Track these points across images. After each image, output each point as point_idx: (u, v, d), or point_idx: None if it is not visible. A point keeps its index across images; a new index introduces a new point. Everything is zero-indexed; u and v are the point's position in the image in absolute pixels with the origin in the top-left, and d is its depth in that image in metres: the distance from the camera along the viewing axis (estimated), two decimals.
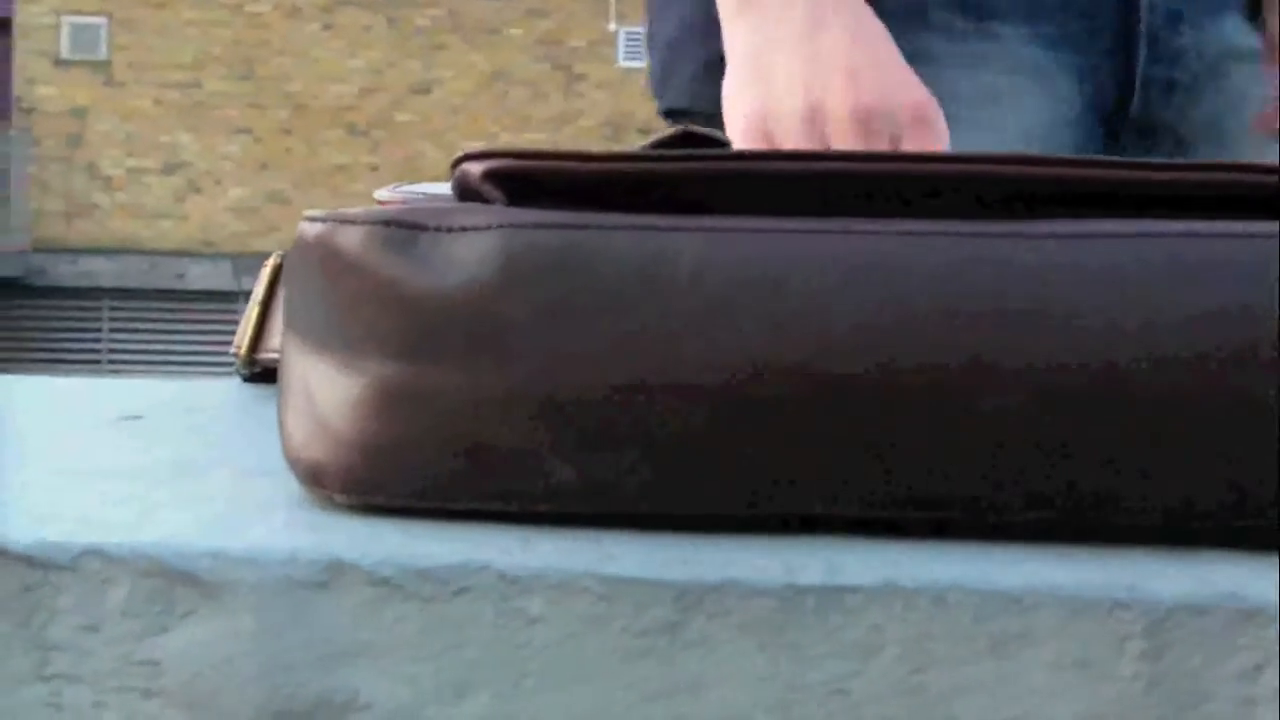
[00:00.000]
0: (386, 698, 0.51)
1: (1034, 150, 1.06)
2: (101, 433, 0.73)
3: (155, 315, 17.50)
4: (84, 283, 17.35)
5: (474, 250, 0.55)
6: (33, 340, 17.31)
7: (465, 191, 0.59)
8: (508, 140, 17.68)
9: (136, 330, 17.51)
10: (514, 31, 17.86)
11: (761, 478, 0.55)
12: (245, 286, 17.26)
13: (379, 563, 0.52)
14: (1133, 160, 0.58)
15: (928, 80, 1.03)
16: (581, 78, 17.87)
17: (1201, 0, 1.20)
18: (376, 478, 0.56)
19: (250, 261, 17.28)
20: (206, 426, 0.76)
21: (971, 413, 0.54)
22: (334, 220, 0.58)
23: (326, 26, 17.73)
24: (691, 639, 0.51)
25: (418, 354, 0.55)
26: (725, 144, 0.61)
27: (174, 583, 0.52)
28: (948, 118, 1.01)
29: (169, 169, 17.65)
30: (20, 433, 0.74)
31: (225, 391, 0.88)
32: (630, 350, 0.54)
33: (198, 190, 17.68)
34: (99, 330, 17.51)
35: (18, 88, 17.50)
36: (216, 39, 17.67)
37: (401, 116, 17.74)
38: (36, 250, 17.29)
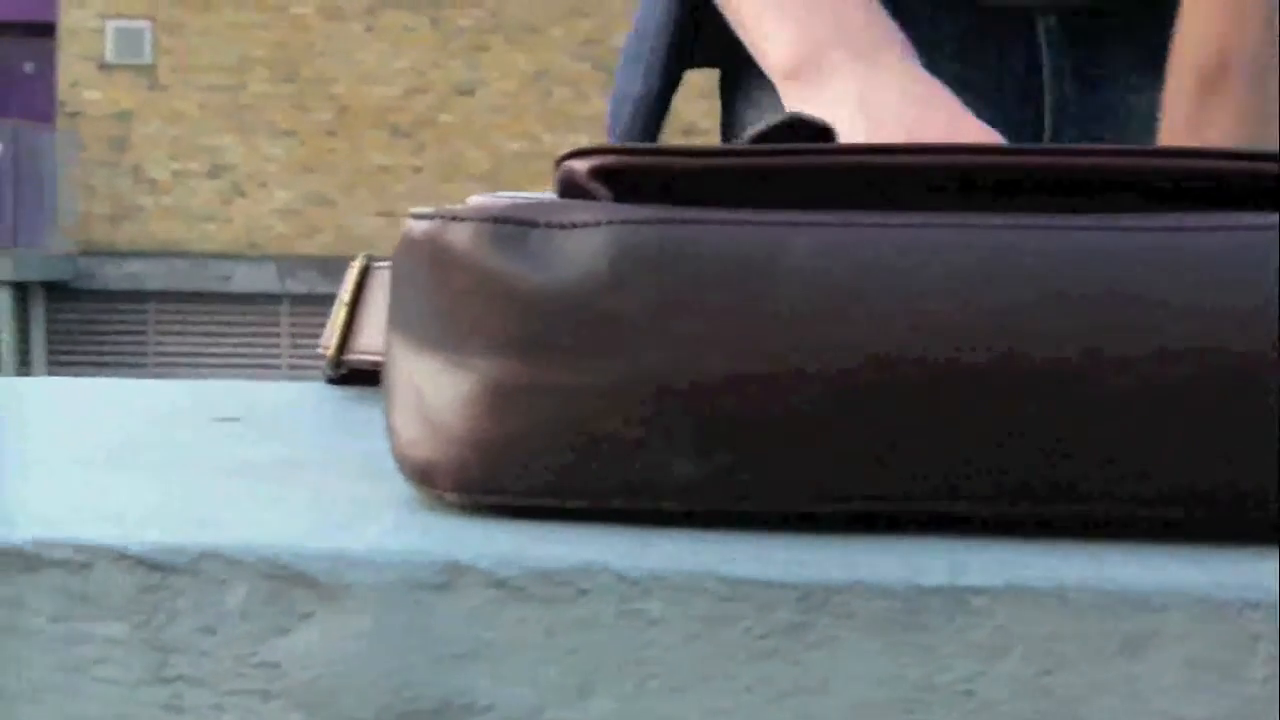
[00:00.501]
0: (508, 700, 0.51)
1: None
2: (200, 434, 0.73)
3: (201, 318, 17.58)
4: (130, 285, 17.43)
5: (586, 246, 0.55)
6: (81, 343, 17.40)
7: (570, 188, 0.59)
8: (551, 141, 17.70)
9: (182, 333, 17.59)
10: (556, 31, 17.88)
11: (881, 470, 0.54)
12: (289, 289, 17.34)
13: (498, 564, 0.51)
14: (1218, 150, 0.57)
15: None
16: None
17: (1117, 61, 1.19)
18: (489, 476, 0.56)
19: (294, 264, 17.34)
20: (301, 428, 0.76)
21: (1092, 402, 0.54)
22: (443, 217, 0.57)
23: (369, 28, 17.77)
24: (816, 640, 0.50)
25: (530, 350, 0.55)
26: (831, 132, 0.61)
27: (293, 584, 0.51)
28: None
29: (214, 172, 17.73)
30: (119, 434, 0.74)
31: (313, 393, 0.88)
32: (745, 342, 0.54)
33: (242, 193, 17.74)
34: (145, 333, 17.59)
35: (62, 92, 17.59)
36: (260, 41, 17.73)
37: (444, 117, 17.78)
38: (83, 254, 17.39)
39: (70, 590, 0.52)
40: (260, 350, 17.56)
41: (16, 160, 17.02)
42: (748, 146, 0.58)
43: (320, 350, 0.86)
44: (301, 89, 17.77)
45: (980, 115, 1.03)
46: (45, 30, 17.67)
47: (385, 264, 0.87)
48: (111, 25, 17.64)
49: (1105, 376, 0.54)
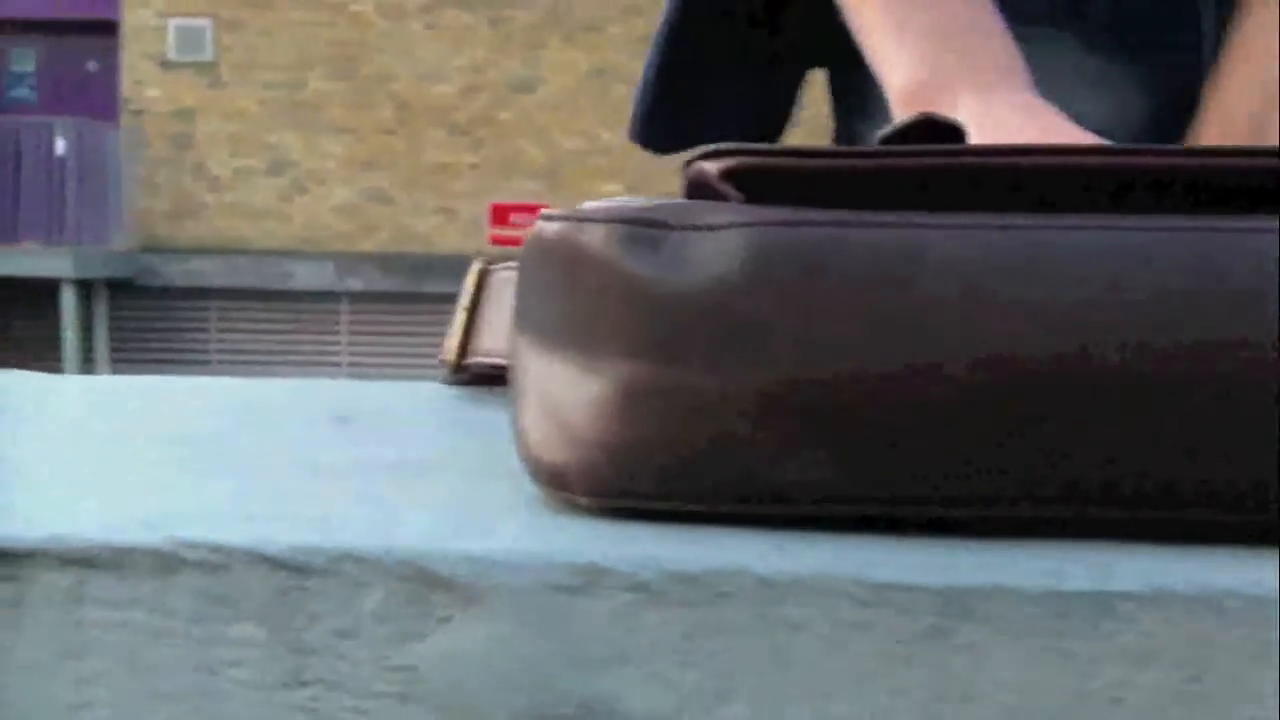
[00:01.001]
0: (646, 704, 0.50)
1: None
2: (317, 434, 0.73)
3: (261, 315, 17.65)
4: (192, 282, 17.53)
5: (722, 248, 0.54)
6: (143, 340, 17.51)
7: (699, 189, 0.58)
8: (609, 138, 17.69)
9: (243, 329, 17.67)
10: (614, 29, 17.87)
11: (1025, 472, 0.54)
12: (348, 286, 17.40)
13: (638, 566, 0.51)
14: None
15: None
16: None
17: None
18: (623, 479, 0.56)
19: (353, 261, 17.40)
20: (417, 428, 0.76)
21: (1240, 403, 0.53)
22: (575, 219, 0.57)
23: (429, 26, 17.81)
24: (958, 646, 0.50)
25: (665, 352, 0.55)
26: (962, 132, 0.60)
27: (431, 587, 0.51)
28: None
29: (274, 169, 17.80)
30: (237, 435, 0.74)
31: (425, 394, 0.87)
32: (883, 346, 0.53)
33: (302, 190, 17.82)
34: (207, 329, 17.69)
35: (126, 89, 17.70)
36: (320, 39, 17.80)
37: (503, 115, 17.80)
38: (146, 251, 17.49)
39: (208, 592, 0.52)
40: (320, 347, 17.62)
41: (80, 158, 17.14)
42: (881, 148, 0.57)
43: (441, 358, 0.86)
44: (361, 86, 17.83)
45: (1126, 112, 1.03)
46: (108, 29, 17.78)
47: (501, 267, 0.86)
48: (173, 23, 17.74)
49: (1249, 377, 0.53)
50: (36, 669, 0.52)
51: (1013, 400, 0.53)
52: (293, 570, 0.51)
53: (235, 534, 0.52)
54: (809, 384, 0.54)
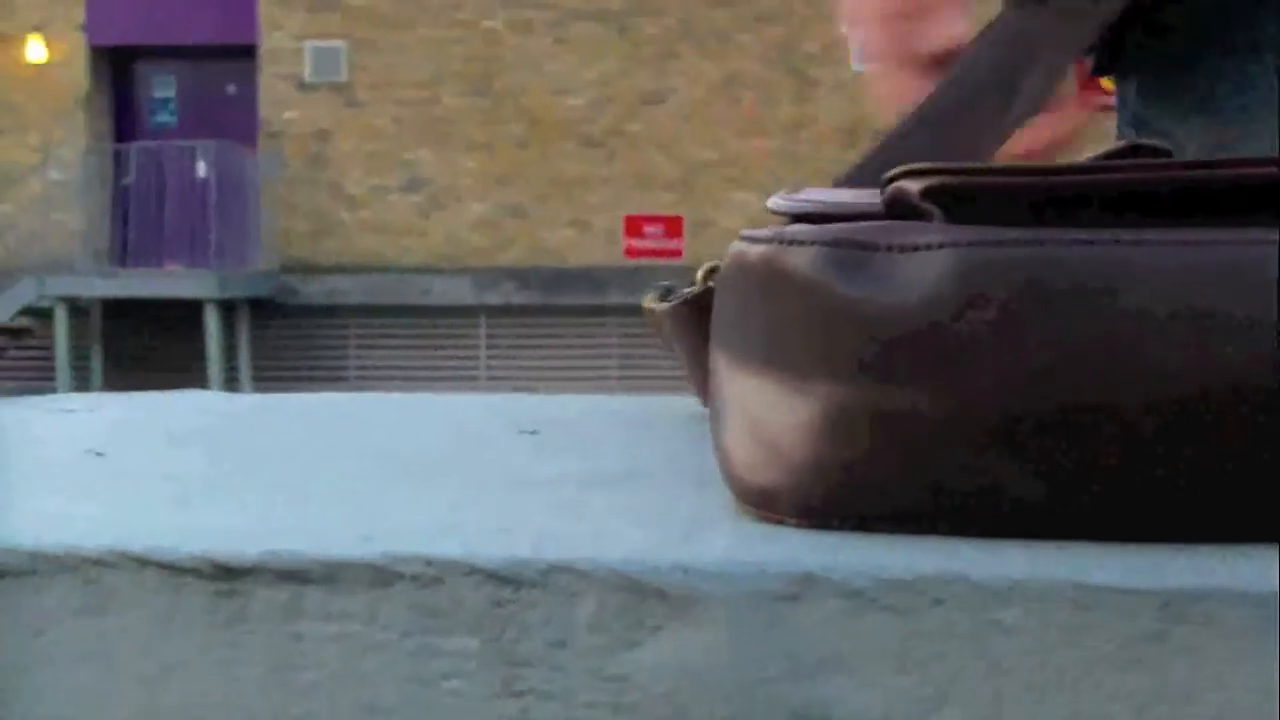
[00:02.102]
0: (861, 711, 0.50)
1: None
2: (508, 445, 0.74)
3: (399, 331, 17.83)
4: (330, 300, 17.74)
5: (930, 269, 0.54)
6: (283, 358, 17.75)
7: (899, 208, 0.58)
8: (739, 147, 17.68)
9: (381, 346, 17.86)
10: (745, 38, 17.86)
11: (1227, 499, 0.53)
12: (486, 300, 17.52)
13: (851, 574, 0.51)
14: None
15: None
16: (815, 83, 17.81)
17: None
18: (832, 502, 0.56)
19: (490, 275, 17.53)
20: (605, 440, 0.76)
21: None
22: (779, 240, 0.57)
23: (559, 40, 17.92)
24: (1179, 647, 0.49)
25: (875, 375, 0.54)
26: (1170, 153, 0.59)
27: (643, 597, 0.51)
28: None
29: (410, 186, 17.98)
30: (432, 449, 0.75)
31: (604, 405, 0.88)
32: (1095, 365, 0.53)
33: (439, 206, 17.98)
34: (345, 347, 17.89)
35: (264, 112, 17.97)
36: (452, 56, 17.96)
37: (634, 126, 17.85)
38: (285, 270, 17.73)
39: (422, 605, 0.52)
40: (458, 362, 17.77)
41: (221, 180, 17.41)
42: (1084, 164, 0.57)
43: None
44: (493, 102, 17.96)
45: None
46: (246, 53, 18.06)
47: None
48: (309, 45, 17.98)
49: None
50: (256, 682, 0.53)
51: (1224, 423, 0.52)
52: (506, 582, 0.52)
53: (448, 547, 0.53)
54: (1018, 406, 0.53)
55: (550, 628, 0.52)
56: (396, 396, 0.91)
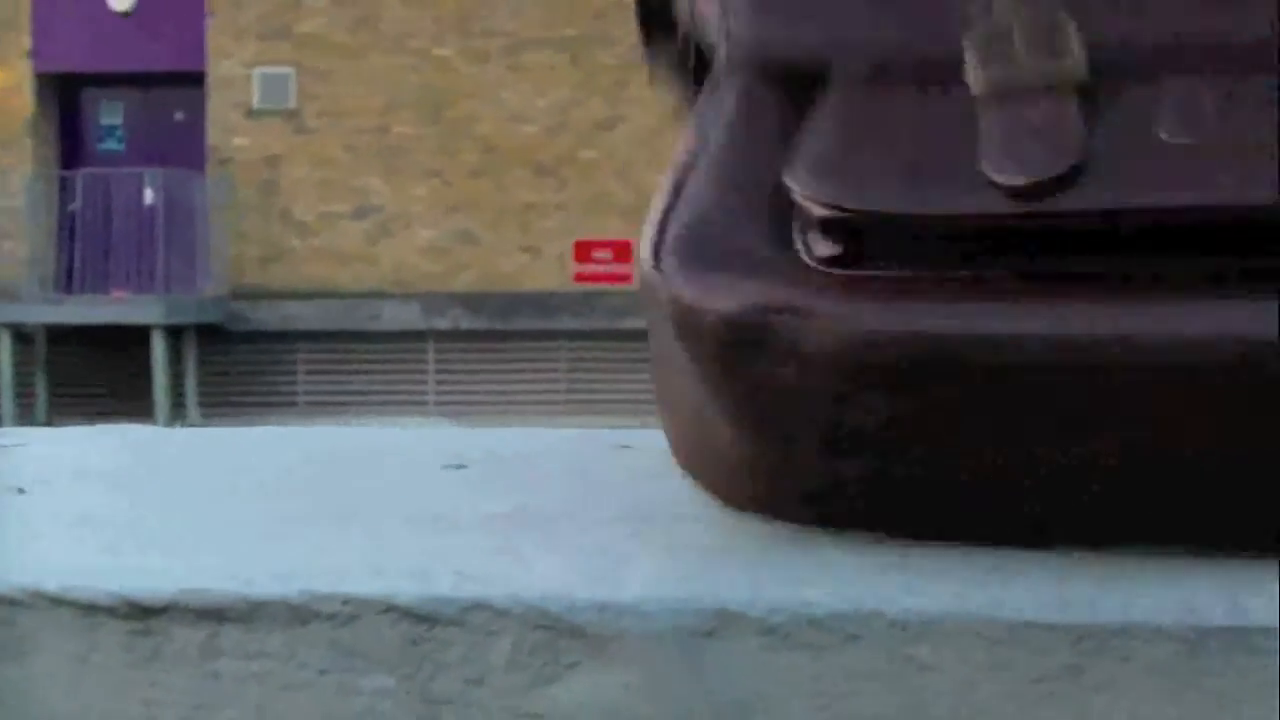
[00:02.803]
0: None
1: None
2: (433, 481, 0.73)
3: (349, 357, 17.77)
4: (281, 327, 17.68)
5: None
6: (234, 385, 17.66)
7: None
8: None
9: (331, 371, 17.79)
10: None
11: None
12: (435, 326, 17.49)
13: (768, 611, 0.51)
14: None
15: None
16: None
17: None
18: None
19: (440, 301, 17.50)
20: (534, 474, 0.76)
21: None
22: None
23: (512, 68, 17.91)
24: (1094, 684, 0.49)
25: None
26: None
27: (560, 635, 0.51)
28: None
29: (361, 213, 17.93)
30: (358, 484, 0.75)
31: (537, 439, 0.88)
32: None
33: (390, 233, 17.94)
34: (295, 373, 17.82)
35: (212, 139, 17.90)
36: (404, 84, 17.93)
37: (587, 154, 17.86)
38: (235, 297, 17.66)
39: (340, 643, 0.52)
40: (408, 388, 17.71)
41: (169, 207, 17.33)
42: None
43: None
44: (446, 130, 17.94)
45: None
46: (194, 80, 17.99)
47: None
48: (258, 73, 17.93)
49: None
50: None
51: None
52: (422, 620, 0.52)
53: (366, 585, 0.53)
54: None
55: (467, 665, 0.51)
56: (329, 430, 0.91)
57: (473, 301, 17.66)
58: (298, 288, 17.80)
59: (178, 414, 16.63)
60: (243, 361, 17.76)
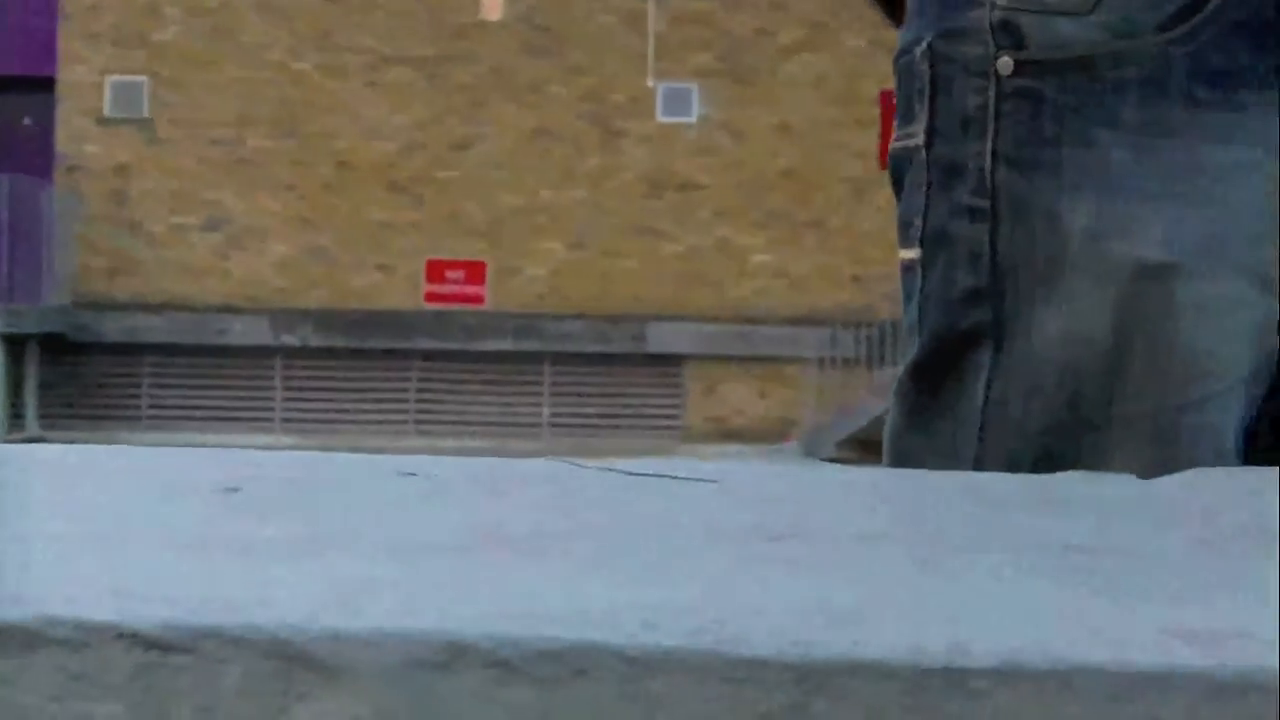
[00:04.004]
0: None
1: (1269, 223, 1.03)
2: (202, 505, 0.73)
3: (195, 371, 17.57)
4: (127, 339, 17.43)
5: None
6: (75, 395, 17.38)
7: None
8: (546, 196, 17.72)
9: (176, 386, 17.58)
10: (555, 88, 17.93)
11: None
12: (284, 342, 17.34)
13: (499, 644, 0.51)
14: None
15: (1168, 152, 1.02)
16: (622, 134, 17.91)
17: None
18: None
19: (290, 318, 17.35)
20: (304, 500, 0.76)
21: None
22: None
23: (369, 84, 17.83)
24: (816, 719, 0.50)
25: None
26: None
27: (292, 664, 0.51)
28: (1193, 193, 1.00)
29: (212, 225, 17.75)
30: (118, 505, 0.74)
31: (314, 464, 0.87)
32: None
33: (241, 247, 17.77)
34: (139, 385, 17.58)
35: (61, 145, 17.64)
36: (261, 97, 17.79)
37: (443, 173, 17.82)
38: (80, 307, 17.39)
39: (69, 668, 0.52)
40: (254, 404, 17.54)
41: (14, 215, 17.04)
42: None
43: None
44: (301, 144, 17.82)
45: None
46: (44, 85, 17.71)
47: None
48: (110, 80, 17.69)
49: None
50: None
51: None
52: (154, 647, 0.51)
53: (99, 610, 0.52)
54: None
55: (198, 693, 0.51)
56: (113, 449, 0.90)
57: (323, 318, 17.53)
58: (145, 299, 17.58)
59: (15, 426, 16.33)
60: (86, 374, 17.49)
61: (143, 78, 17.69)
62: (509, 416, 17.46)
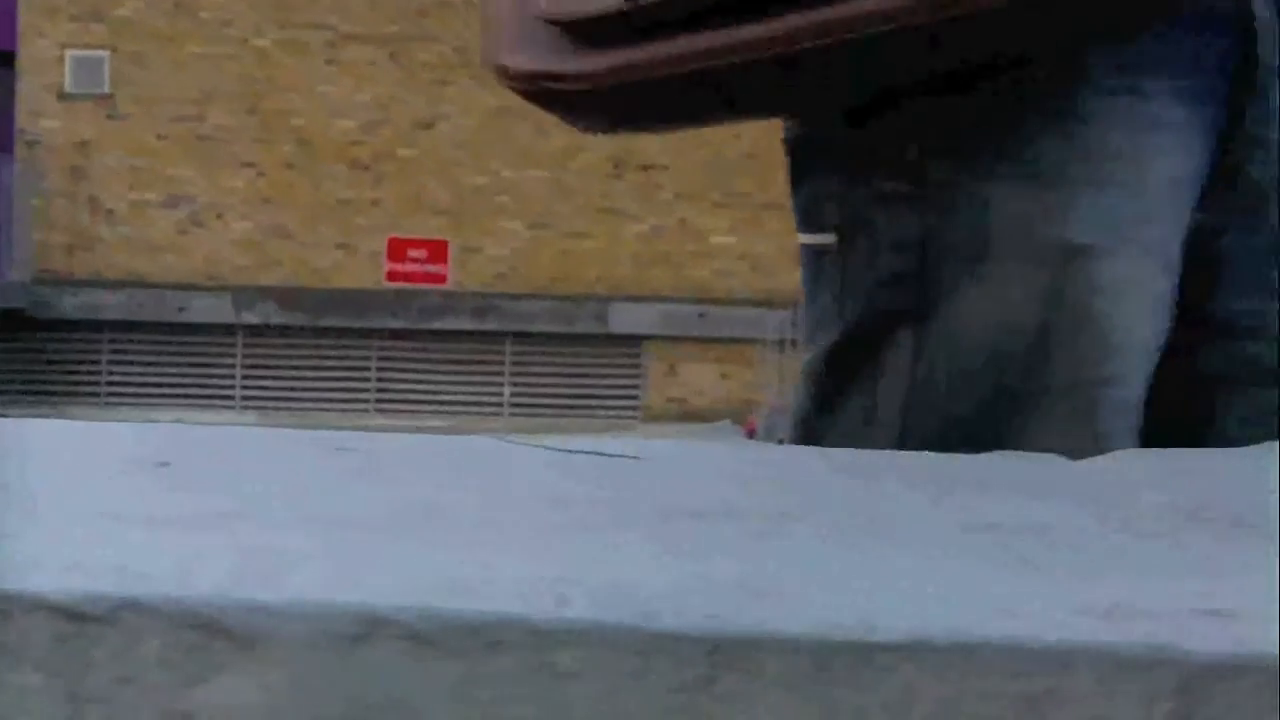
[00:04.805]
0: None
1: (1170, 205, 1.08)
2: (131, 479, 0.73)
3: (156, 348, 17.50)
4: (87, 315, 17.35)
5: None
6: (34, 372, 17.30)
7: None
8: (508, 175, 17.69)
9: (136, 363, 17.50)
10: None
11: None
12: (245, 320, 17.28)
13: (416, 617, 0.52)
14: None
15: (1081, 137, 1.06)
16: None
17: None
18: None
19: (251, 295, 17.30)
20: (235, 475, 0.76)
21: None
22: None
23: (331, 61, 17.76)
24: (726, 693, 0.51)
25: None
26: None
27: (210, 635, 0.52)
28: (1099, 175, 1.04)
29: (172, 202, 17.67)
30: (48, 478, 0.74)
31: (251, 439, 0.88)
32: None
33: (201, 224, 17.69)
34: (99, 362, 17.50)
35: (21, 120, 17.52)
36: (222, 73, 17.70)
37: (405, 152, 17.76)
38: (39, 283, 17.29)
39: None
40: (215, 381, 17.48)
41: None
42: None
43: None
44: (263, 121, 17.74)
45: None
46: (4, 60, 17.60)
47: None
48: (71, 55, 17.59)
49: None
50: None
51: None
52: (73, 618, 0.52)
53: (20, 581, 0.53)
54: None
55: (117, 664, 0.52)
56: (49, 424, 0.90)
57: (284, 296, 17.47)
58: (105, 276, 17.49)
59: None
60: (45, 350, 17.40)
61: (104, 53, 17.58)
62: (470, 396, 17.44)
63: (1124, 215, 1.04)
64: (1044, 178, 1.05)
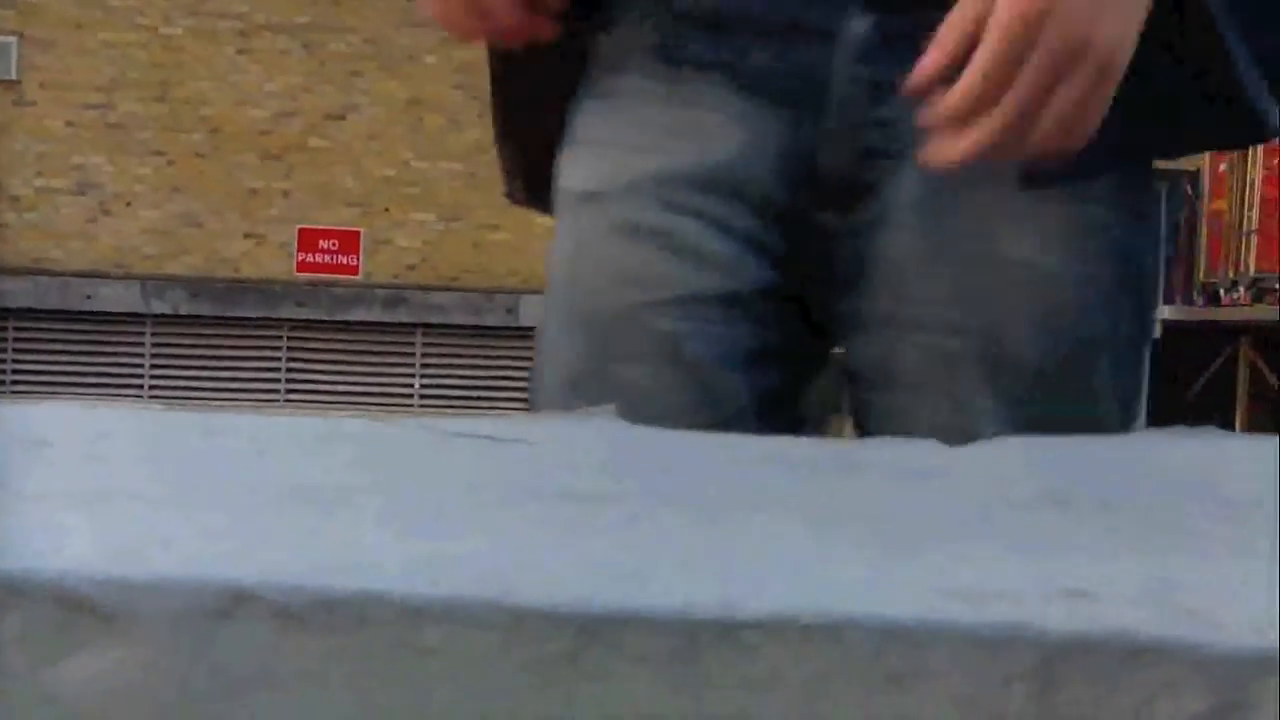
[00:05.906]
0: None
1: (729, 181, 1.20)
2: (6, 459, 0.73)
3: (63, 337, 17.32)
4: None
5: None
6: None
7: None
8: (423, 168, 17.64)
9: (43, 351, 17.32)
10: (431, 59, 17.81)
11: None
12: (154, 309, 17.13)
13: (283, 593, 0.52)
14: None
15: (620, 112, 1.23)
16: None
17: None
18: None
19: (160, 284, 17.15)
20: (113, 455, 0.76)
21: None
22: None
23: (242, 51, 17.63)
24: (590, 671, 0.51)
25: None
26: None
27: (75, 612, 0.51)
28: (640, 145, 1.21)
29: (80, 190, 17.48)
30: None
31: (132, 420, 0.87)
32: None
33: (109, 212, 17.52)
34: (4, 351, 17.31)
35: None
36: (131, 61, 17.53)
37: (317, 142, 17.65)
38: None
39: None
40: (123, 370, 17.32)
41: None
42: None
43: None
44: (172, 109, 17.58)
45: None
46: None
47: None
48: None
49: None
50: None
51: None
52: None
53: None
54: None
55: None
56: None
57: (193, 286, 17.33)
58: (11, 264, 17.29)
59: None
60: None
61: (11, 39, 17.36)
62: (381, 387, 17.36)
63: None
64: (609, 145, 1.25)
